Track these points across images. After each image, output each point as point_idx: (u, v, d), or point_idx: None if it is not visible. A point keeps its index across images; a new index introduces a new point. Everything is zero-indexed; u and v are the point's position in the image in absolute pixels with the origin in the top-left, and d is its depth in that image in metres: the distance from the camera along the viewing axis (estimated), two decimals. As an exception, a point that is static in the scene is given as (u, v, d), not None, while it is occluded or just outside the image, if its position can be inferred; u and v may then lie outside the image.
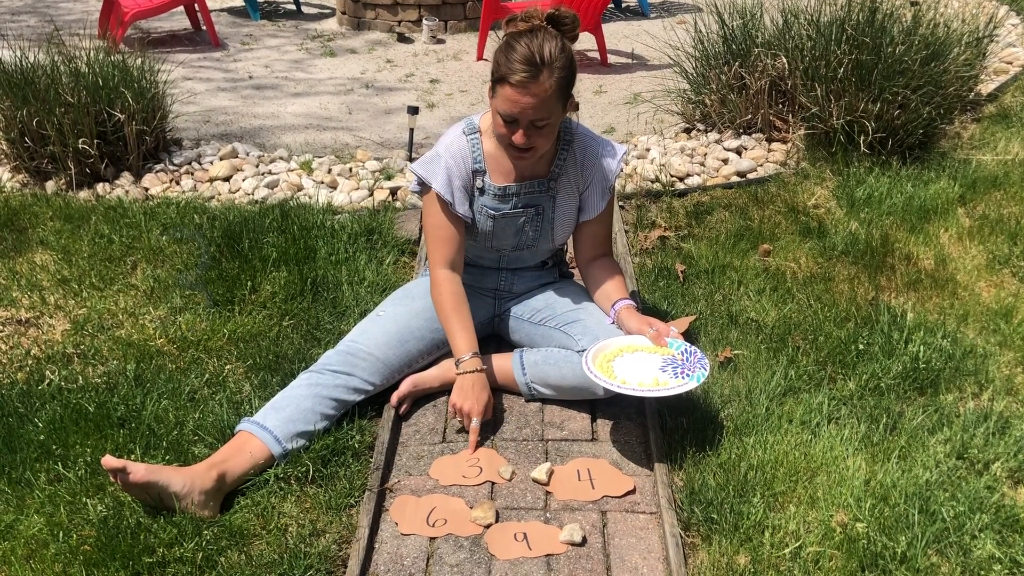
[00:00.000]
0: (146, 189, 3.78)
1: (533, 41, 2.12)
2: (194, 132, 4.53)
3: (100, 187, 3.76)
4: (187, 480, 1.98)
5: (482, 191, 2.38)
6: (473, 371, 2.28)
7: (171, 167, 3.93)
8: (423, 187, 2.39)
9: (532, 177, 2.39)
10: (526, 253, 2.52)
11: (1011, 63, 5.12)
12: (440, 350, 2.48)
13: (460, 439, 2.29)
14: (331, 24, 7.22)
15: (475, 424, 2.24)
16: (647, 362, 2.22)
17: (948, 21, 4.16)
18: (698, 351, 2.23)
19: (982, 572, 1.86)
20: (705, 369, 2.16)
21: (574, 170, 2.41)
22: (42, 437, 2.23)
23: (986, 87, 4.66)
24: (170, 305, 2.84)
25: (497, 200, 2.38)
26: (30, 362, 2.59)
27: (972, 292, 2.93)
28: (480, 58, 6.13)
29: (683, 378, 2.14)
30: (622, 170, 3.47)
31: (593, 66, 5.90)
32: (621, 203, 3.61)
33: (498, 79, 2.16)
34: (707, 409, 2.34)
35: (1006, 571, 1.86)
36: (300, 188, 3.78)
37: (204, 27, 6.44)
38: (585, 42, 5.99)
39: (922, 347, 2.55)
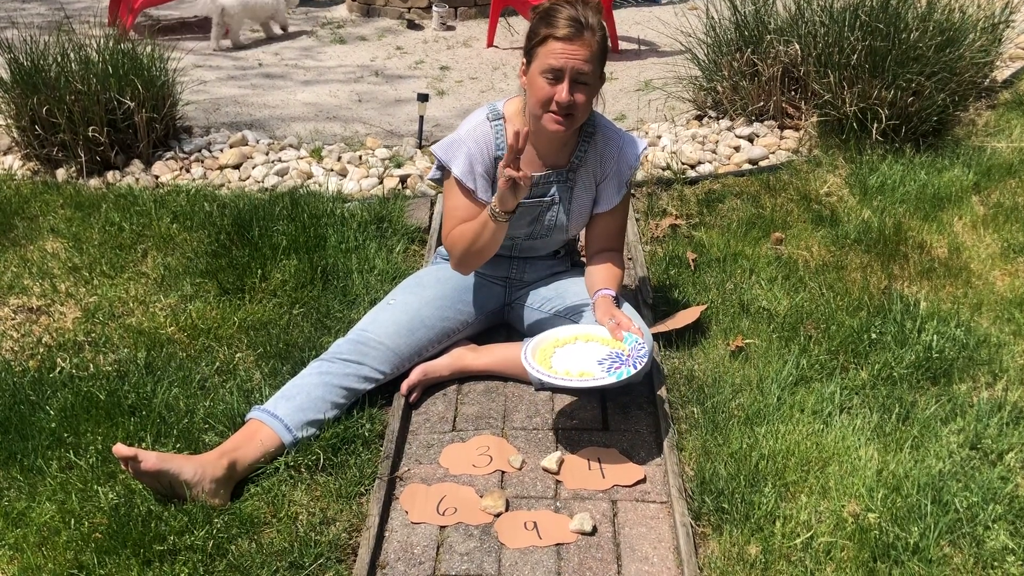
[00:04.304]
0: (156, 177, 3.78)
1: (575, 6, 2.16)
2: (204, 120, 4.53)
3: (110, 175, 3.76)
4: (198, 468, 1.99)
5: None
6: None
7: (181, 155, 3.93)
8: (443, 170, 2.38)
9: (553, 167, 2.38)
10: (539, 243, 2.51)
11: (1027, 49, 5.06)
12: (450, 339, 2.47)
13: (470, 428, 2.29)
14: (341, 11, 7.19)
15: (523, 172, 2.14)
16: (592, 352, 2.22)
17: (963, 7, 4.11)
18: (644, 348, 2.18)
19: (995, 563, 1.85)
20: (634, 368, 2.11)
21: (594, 161, 2.40)
22: (53, 425, 2.24)
23: (1001, 73, 4.61)
24: (180, 293, 2.85)
25: None
26: (41, 350, 2.60)
27: (986, 281, 2.90)
28: (490, 45, 6.10)
29: (609, 373, 2.12)
30: (640, 165, 3.45)
31: (604, 53, 5.86)
32: (632, 191, 3.58)
33: (540, 40, 2.17)
34: (718, 398, 2.33)
35: (1019, 562, 1.85)
36: (310, 176, 3.77)
37: (214, 14, 6.43)
38: (596, 29, 5.95)
39: (935, 336, 2.53)
